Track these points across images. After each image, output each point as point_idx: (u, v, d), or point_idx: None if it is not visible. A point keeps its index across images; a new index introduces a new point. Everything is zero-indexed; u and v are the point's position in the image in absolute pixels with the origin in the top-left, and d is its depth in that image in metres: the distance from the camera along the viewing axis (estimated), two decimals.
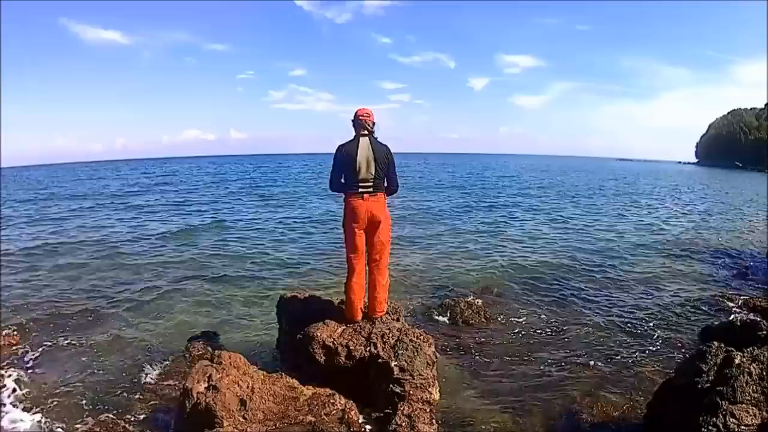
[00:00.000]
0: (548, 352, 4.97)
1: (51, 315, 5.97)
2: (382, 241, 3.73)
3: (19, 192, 26.23)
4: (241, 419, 2.99)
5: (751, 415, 2.65)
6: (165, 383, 4.25)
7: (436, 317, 5.90)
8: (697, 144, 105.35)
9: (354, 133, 3.69)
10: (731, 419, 2.64)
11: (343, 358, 3.52)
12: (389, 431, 3.08)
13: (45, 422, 3.67)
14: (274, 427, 3.00)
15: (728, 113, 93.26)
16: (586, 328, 5.63)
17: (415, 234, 11.58)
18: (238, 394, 3.07)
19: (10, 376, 4.26)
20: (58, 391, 4.14)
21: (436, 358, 3.53)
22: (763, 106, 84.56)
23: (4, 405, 3.86)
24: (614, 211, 17.30)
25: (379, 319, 3.79)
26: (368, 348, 3.53)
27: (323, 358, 3.54)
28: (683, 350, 4.93)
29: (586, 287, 7.26)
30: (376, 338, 3.56)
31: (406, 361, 3.33)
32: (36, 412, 3.79)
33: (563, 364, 4.67)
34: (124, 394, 4.10)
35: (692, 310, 6.31)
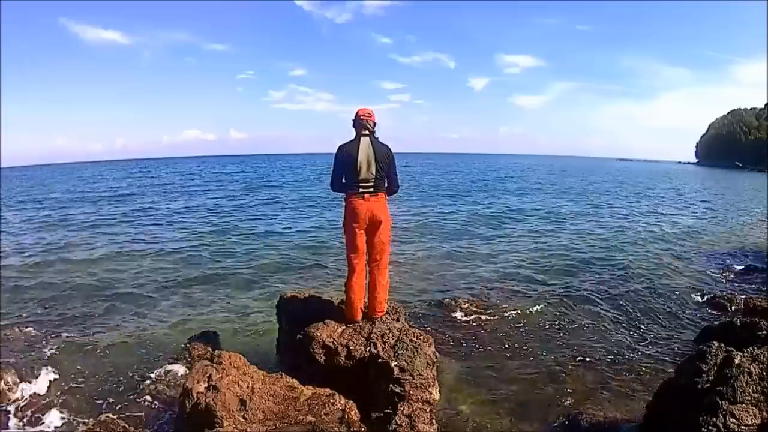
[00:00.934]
0: (548, 352, 4.97)
1: (51, 315, 5.98)
2: (382, 241, 3.73)
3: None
4: (241, 419, 2.99)
5: (751, 415, 2.65)
6: (165, 383, 4.25)
7: (436, 317, 5.90)
8: (697, 144, 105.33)
9: (355, 133, 3.69)
10: (731, 419, 2.64)
11: (343, 358, 3.52)
12: (389, 431, 3.08)
13: (45, 422, 3.68)
14: (274, 427, 2.99)
15: (728, 113, 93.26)
16: (585, 328, 5.63)
17: (416, 234, 11.58)
18: (238, 394, 3.07)
19: (10, 376, 4.26)
20: (58, 391, 4.15)
21: (436, 358, 3.53)
22: (763, 106, 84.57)
23: (5, 405, 3.86)
24: (614, 211, 17.30)
25: (379, 319, 3.79)
26: (368, 348, 3.52)
27: (323, 358, 3.54)
28: (683, 350, 4.92)
29: (586, 287, 7.25)
30: (376, 338, 3.56)
31: (406, 361, 3.33)
32: (36, 412, 3.79)
33: (563, 364, 4.68)
34: (124, 394, 4.10)
35: (692, 310, 6.31)
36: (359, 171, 3.54)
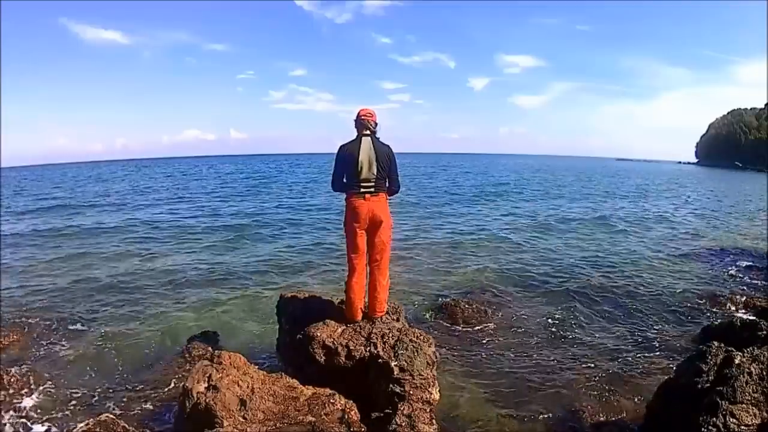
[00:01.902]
0: (548, 351, 4.98)
1: (51, 315, 5.98)
2: (383, 241, 3.73)
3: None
4: (241, 419, 2.99)
5: (751, 415, 2.65)
6: (165, 383, 4.25)
7: (436, 317, 5.90)
8: (697, 144, 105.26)
9: (356, 133, 3.69)
10: (731, 419, 2.64)
11: (343, 358, 3.52)
12: (389, 431, 3.08)
13: (45, 422, 3.68)
14: (274, 427, 2.99)
15: (728, 113, 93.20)
16: (585, 328, 5.63)
17: (416, 234, 11.58)
18: (238, 394, 3.07)
19: (10, 375, 4.26)
20: (57, 391, 4.15)
21: (436, 358, 3.52)
22: (763, 106, 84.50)
23: (4, 405, 3.86)
24: (614, 210, 17.29)
25: (379, 319, 3.79)
26: (368, 348, 3.52)
27: (323, 358, 3.54)
28: (683, 350, 4.92)
29: (585, 287, 7.25)
30: (376, 338, 3.56)
31: (406, 361, 3.33)
32: (36, 412, 3.79)
33: (563, 363, 4.68)
34: (124, 394, 4.10)
35: (692, 310, 6.31)
36: (360, 171, 3.54)
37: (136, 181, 34.95)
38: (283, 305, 4.45)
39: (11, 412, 3.77)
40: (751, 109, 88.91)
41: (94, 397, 4.05)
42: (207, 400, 3.00)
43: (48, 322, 5.73)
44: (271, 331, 5.06)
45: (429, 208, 16.81)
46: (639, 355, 4.88)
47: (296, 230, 12.31)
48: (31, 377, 4.33)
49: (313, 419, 3.05)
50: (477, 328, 5.62)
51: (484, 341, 5.24)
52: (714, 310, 6.28)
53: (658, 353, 4.93)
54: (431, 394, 3.30)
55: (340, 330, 3.68)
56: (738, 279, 7.89)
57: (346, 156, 3.60)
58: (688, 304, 6.49)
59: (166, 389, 4.14)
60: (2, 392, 4.01)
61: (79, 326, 5.64)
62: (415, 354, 3.38)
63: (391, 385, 3.27)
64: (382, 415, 3.24)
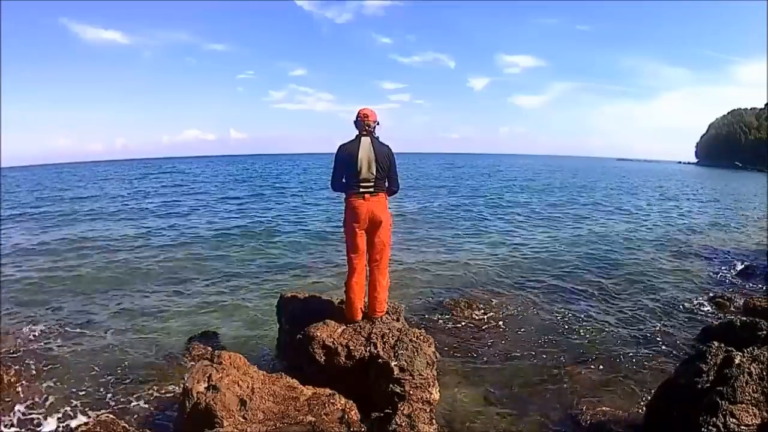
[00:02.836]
0: (548, 351, 4.97)
1: (50, 315, 5.98)
2: (382, 241, 3.73)
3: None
4: (241, 419, 2.99)
5: (751, 415, 2.65)
6: (165, 383, 4.25)
7: (436, 317, 5.90)
8: (697, 144, 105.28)
9: (356, 133, 3.70)
10: (731, 419, 2.64)
11: (343, 358, 3.52)
12: (389, 431, 3.08)
13: (45, 422, 3.68)
14: (274, 427, 2.99)
15: (728, 113, 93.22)
16: (585, 328, 5.63)
17: (417, 234, 11.58)
18: (238, 394, 3.07)
19: (10, 375, 4.27)
20: (57, 390, 4.14)
21: (436, 358, 3.53)
22: (763, 106, 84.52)
23: (4, 405, 3.86)
24: (614, 210, 17.29)
25: (379, 319, 3.79)
26: (368, 348, 3.52)
27: (323, 358, 3.54)
28: (683, 350, 4.93)
29: (586, 287, 7.25)
30: (376, 338, 3.56)
31: (406, 361, 3.33)
32: (36, 412, 3.79)
33: (563, 363, 4.68)
34: (124, 394, 4.10)
35: (692, 310, 6.30)
36: (359, 171, 3.55)
37: (136, 181, 34.95)
38: (283, 305, 4.46)
39: (11, 412, 3.77)
40: (751, 109, 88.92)
41: (94, 396, 4.05)
42: (207, 400, 3.00)
43: (48, 322, 5.73)
44: (271, 331, 5.07)
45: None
46: (639, 355, 4.88)
47: (296, 230, 12.31)
48: (30, 377, 4.33)
49: (313, 419, 3.06)
50: (477, 327, 5.62)
51: (484, 341, 5.24)
52: (714, 310, 6.28)
53: (657, 353, 4.93)
54: (431, 394, 3.30)
55: (340, 330, 3.69)
56: (738, 279, 7.89)
57: (346, 156, 3.60)
58: (688, 304, 6.49)
59: (166, 389, 4.13)
60: (2, 392, 4.01)
61: (79, 326, 5.64)
62: (415, 354, 3.38)
63: (391, 385, 3.27)
64: (382, 415, 3.24)
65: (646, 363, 4.68)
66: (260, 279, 7.70)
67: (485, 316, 5.91)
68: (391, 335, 3.57)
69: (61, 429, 3.62)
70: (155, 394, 4.07)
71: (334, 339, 3.59)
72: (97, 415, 3.67)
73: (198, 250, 9.93)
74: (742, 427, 2.62)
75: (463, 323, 5.72)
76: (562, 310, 6.25)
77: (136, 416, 3.74)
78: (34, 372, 4.43)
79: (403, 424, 3.09)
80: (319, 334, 3.61)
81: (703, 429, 2.65)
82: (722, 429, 2.63)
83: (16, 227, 13.17)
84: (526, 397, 4.02)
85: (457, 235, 11.80)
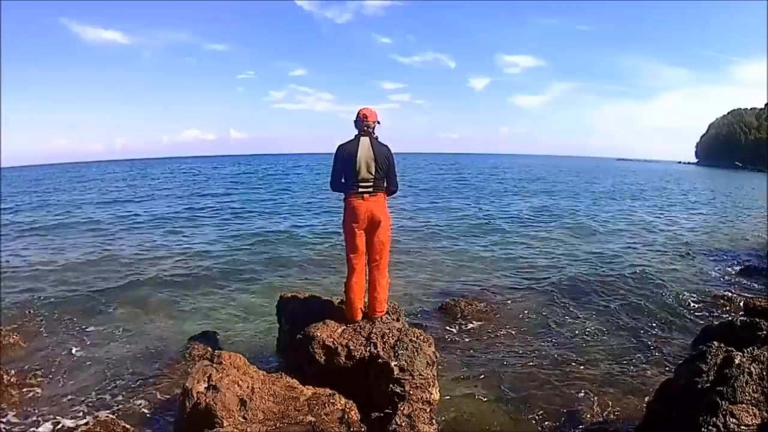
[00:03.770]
0: (548, 351, 4.97)
1: (50, 315, 5.98)
2: (382, 241, 3.73)
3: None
4: (241, 419, 2.99)
5: (751, 415, 2.65)
6: (165, 383, 4.25)
7: (436, 317, 5.90)
8: (697, 144, 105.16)
9: (356, 133, 3.69)
10: (731, 419, 2.63)
11: (343, 358, 3.52)
12: (389, 431, 3.08)
13: (45, 422, 3.67)
14: (274, 427, 2.99)
15: (728, 113, 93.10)
16: (585, 328, 5.63)
17: (416, 234, 11.58)
18: (238, 394, 3.07)
19: (10, 375, 4.26)
20: (57, 391, 4.15)
21: (436, 358, 3.53)
22: (763, 106, 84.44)
23: (4, 405, 3.86)
24: (613, 211, 17.29)
25: (379, 319, 3.79)
26: (368, 348, 3.52)
27: (323, 358, 3.54)
28: (683, 350, 4.92)
29: (586, 287, 7.25)
30: (376, 338, 3.56)
31: (406, 361, 3.33)
32: (36, 412, 3.79)
33: (563, 363, 4.68)
34: (124, 394, 4.10)
35: (692, 310, 6.30)
36: (358, 171, 3.55)
37: (136, 181, 34.93)
38: (283, 305, 4.45)
39: (11, 412, 3.76)
40: (751, 109, 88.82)
41: (93, 396, 4.05)
42: (207, 400, 3.00)
43: (47, 322, 5.73)
44: (271, 331, 5.07)
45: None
46: (639, 355, 4.88)
47: (296, 230, 12.30)
48: (30, 377, 4.33)
49: (313, 419, 3.05)
50: (477, 328, 5.62)
51: (484, 341, 5.24)
52: (714, 310, 6.28)
53: (657, 353, 4.93)
54: (431, 394, 3.30)
55: (340, 330, 3.69)
56: (738, 279, 7.89)
57: (345, 156, 3.60)
58: (688, 305, 6.49)
59: (166, 389, 4.13)
60: (2, 392, 4.01)
61: (78, 326, 5.64)
62: (415, 354, 3.38)
63: (391, 385, 3.27)
64: (382, 415, 3.24)
65: (645, 363, 4.68)
66: (260, 279, 7.70)
67: (485, 317, 5.90)
68: (391, 335, 3.56)
69: (61, 429, 3.62)
70: (155, 394, 4.07)
71: (334, 339, 3.59)
72: (97, 416, 3.68)
73: (197, 250, 9.92)
74: (742, 427, 2.62)
75: (464, 323, 5.72)
76: (562, 310, 6.25)
77: (136, 416, 3.73)
78: (33, 372, 4.43)
79: (403, 424, 3.09)
80: (319, 334, 3.61)
81: (703, 429, 2.64)
82: (722, 429, 2.62)
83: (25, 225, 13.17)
84: (526, 397, 4.03)
85: (458, 235, 11.79)
